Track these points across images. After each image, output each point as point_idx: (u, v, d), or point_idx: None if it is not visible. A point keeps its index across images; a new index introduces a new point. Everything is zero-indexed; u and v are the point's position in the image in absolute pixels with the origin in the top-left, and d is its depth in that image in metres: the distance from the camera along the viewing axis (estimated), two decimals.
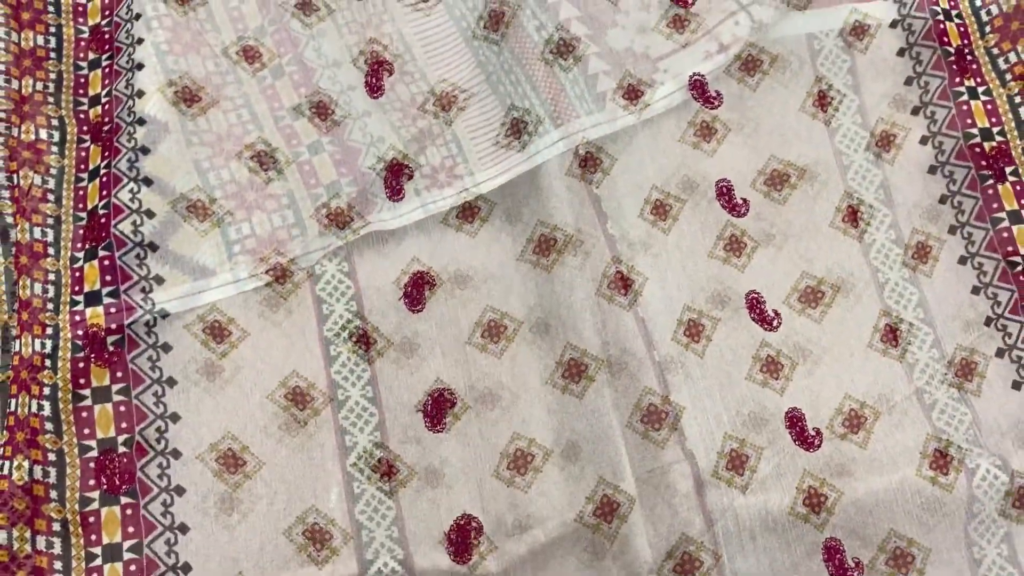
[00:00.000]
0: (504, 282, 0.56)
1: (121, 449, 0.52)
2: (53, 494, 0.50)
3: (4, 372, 0.52)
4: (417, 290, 0.55)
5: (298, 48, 0.61)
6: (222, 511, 0.51)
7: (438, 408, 0.53)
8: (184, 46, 0.60)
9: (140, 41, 0.60)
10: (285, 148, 0.59)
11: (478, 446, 0.53)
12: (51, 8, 0.62)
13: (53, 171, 0.58)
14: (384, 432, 0.53)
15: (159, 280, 0.55)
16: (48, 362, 0.52)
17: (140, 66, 0.59)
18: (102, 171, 0.57)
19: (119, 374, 0.53)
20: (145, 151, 0.57)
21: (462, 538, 0.51)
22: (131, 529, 0.50)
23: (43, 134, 0.59)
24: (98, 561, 0.49)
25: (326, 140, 0.59)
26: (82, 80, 0.60)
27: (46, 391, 0.52)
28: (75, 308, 0.54)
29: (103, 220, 0.56)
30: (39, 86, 0.60)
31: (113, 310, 0.54)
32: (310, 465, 0.52)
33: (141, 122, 0.58)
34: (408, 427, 0.53)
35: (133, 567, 0.49)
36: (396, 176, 0.58)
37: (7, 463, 0.50)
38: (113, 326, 0.53)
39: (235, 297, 0.55)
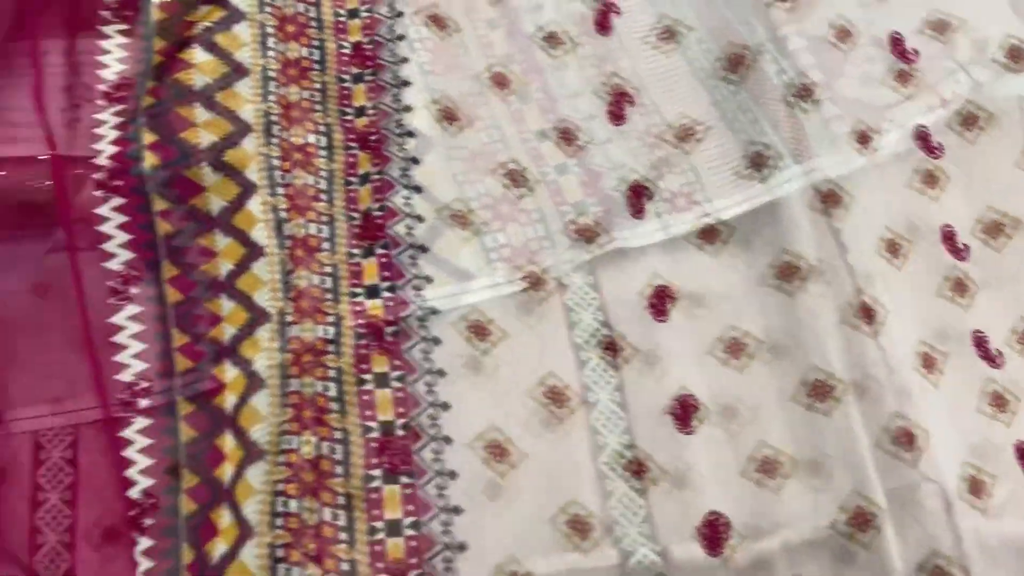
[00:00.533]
0: (743, 302, 0.60)
1: (399, 432, 0.56)
2: (338, 469, 0.54)
3: (283, 355, 0.56)
4: (660, 302, 0.60)
5: (543, 77, 0.66)
6: (491, 497, 0.55)
7: (685, 412, 0.57)
8: (444, 68, 0.66)
9: (405, 60, 0.65)
10: (533, 168, 0.64)
11: (724, 450, 0.57)
12: (314, 23, 0.67)
13: (323, 173, 0.63)
14: (633, 434, 0.57)
15: (428, 279, 0.59)
16: (331, 347, 0.56)
17: (406, 83, 0.65)
18: (373, 176, 0.62)
19: (396, 362, 0.57)
20: (415, 161, 0.62)
21: (713, 533, 0.54)
22: (410, 507, 0.54)
23: (311, 139, 0.63)
24: (381, 535, 0.53)
25: (572, 163, 0.64)
26: (346, 92, 0.65)
27: (331, 373, 0.56)
28: (355, 299, 0.58)
29: (379, 221, 0.60)
30: (305, 95, 0.65)
31: (391, 303, 0.58)
32: (568, 460, 0.56)
33: (410, 135, 0.63)
34: (655, 430, 0.57)
35: (414, 543, 0.53)
36: (638, 197, 0.62)
37: (295, 438, 0.54)
38: (391, 318, 0.58)
39: (494, 300, 0.59)
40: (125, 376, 0.57)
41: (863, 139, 0.63)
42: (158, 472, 0.55)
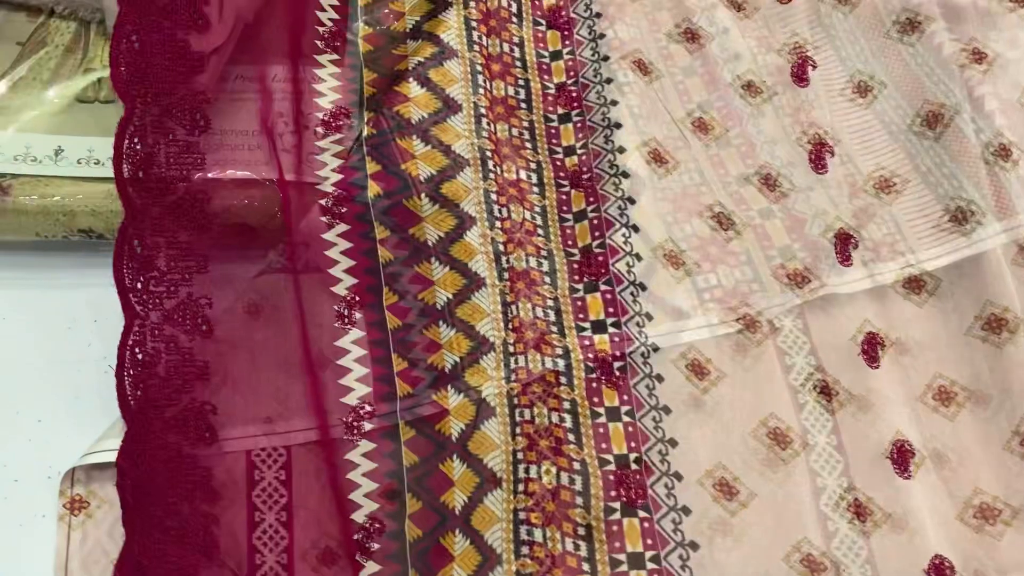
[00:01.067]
0: (949, 351, 0.62)
1: (633, 466, 0.57)
2: (578, 500, 0.55)
3: (509, 384, 0.57)
4: (872, 348, 0.61)
5: (742, 123, 0.68)
6: (724, 533, 0.55)
7: (903, 457, 0.58)
8: (649, 111, 0.68)
9: (615, 103, 0.67)
10: (738, 212, 0.65)
11: (940, 495, 0.58)
12: (518, 63, 0.69)
13: (537, 209, 0.64)
14: (851, 477, 0.58)
15: (649, 317, 0.61)
16: (563, 379, 0.58)
17: (618, 125, 0.67)
18: (590, 214, 0.64)
19: (624, 397, 0.58)
20: (631, 201, 0.64)
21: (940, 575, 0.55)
22: (649, 541, 0.54)
23: (523, 175, 0.65)
24: (623, 567, 0.54)
25: (776, 208, 0.66)
26: (553, 131, 0.67)
27: (565, 405, 0.57)
28: (583, 333, 0.60)
29: (600, 258, 0.62)
30: (514, 132, 0.66)
31: (616, 339, 0.59)
32: (793, 500, 0.57)
33: (625, 175, 0.65)
34: (873, 473, 0.58)
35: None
36: (845, 244, 0.64)
37: (534, 467, 0.55)
38: (617, 353, 0.59)
39: (709, 340, 0.61)
40: (350, 399, 0.58)
41: None
42: (381, 497, 0.56)
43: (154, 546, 0.52)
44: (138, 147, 0.62)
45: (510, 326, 0.59)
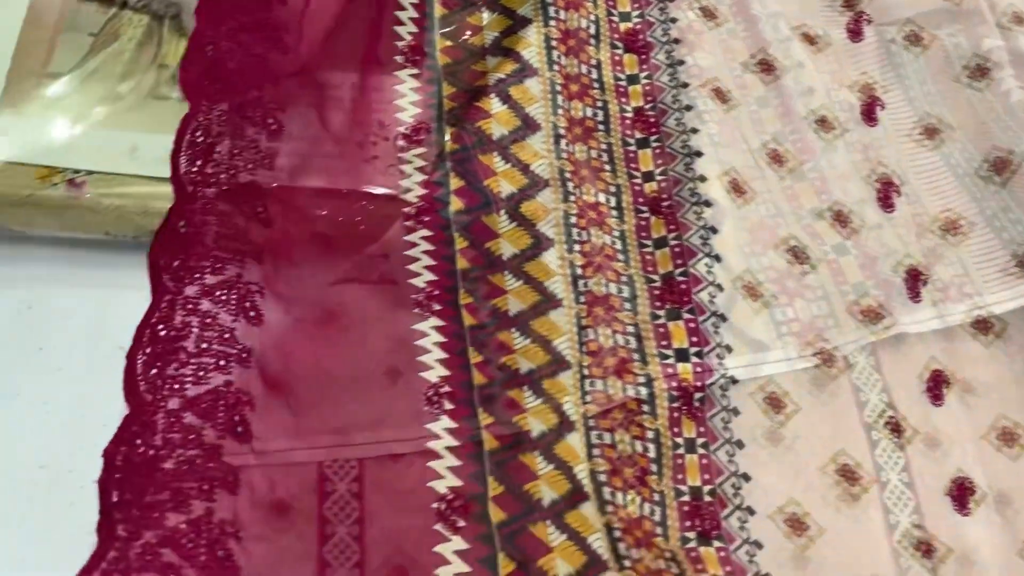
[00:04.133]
0: (1014, 393, 0.63)
1: (706, 498, 0.57)
2: (658, 530, 0.55)
3: (585, 405, 0.57)
4: (937, 386, 0.62)
5: (816, 158, 0.69)
6: (795, 569, 0.56)
7: (962, 494, 0.59)
8: (728, 140, 0.68)
9: (695, 131, 0.68)
10: (813, 246, 0.66)
11: (1003, 534, 0.59)
12: (596, 85, 0.69)
13: (616, 233, 0.64)
14: (920, 514, 0.59)
15: (729, 349, 0.61)
16: (645, 408, 0.58)
17: (699, 153, 0.67)
18: (671, 242, 0.64)
19: (701, 429, 0.59)
20: (714, 231, 0.65)
21: None
22: (728, 569, 0.55)
23: (601, 198, 0.65)
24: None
25: (849, 244, 0.66)
26: (631, 155, 0.67)
27: (649, 435, 0.57)
28: (666, 361, 0.60)
29: (683, 287, 0.62)
30: (593, 154, 0.66)
31: (698, 370, 0.60)
32: (865, 537, 0.57)
33: (707, 204, 0.65)
34: (939, 511, 0.59)
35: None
36: (915, 281, 0.65)
37: (620, 494, 0.55)
38: (698, 384, 0.59)
39: (787, 373, 0.61)
40: (431, 377, 0.58)
41: None
42: (464, 475, 0.55)
43: (136, 557, 0.50)
44: (200, 140, 0.60)
45: (585, 349, 0.59)
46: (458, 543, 0.54)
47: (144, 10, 0.66)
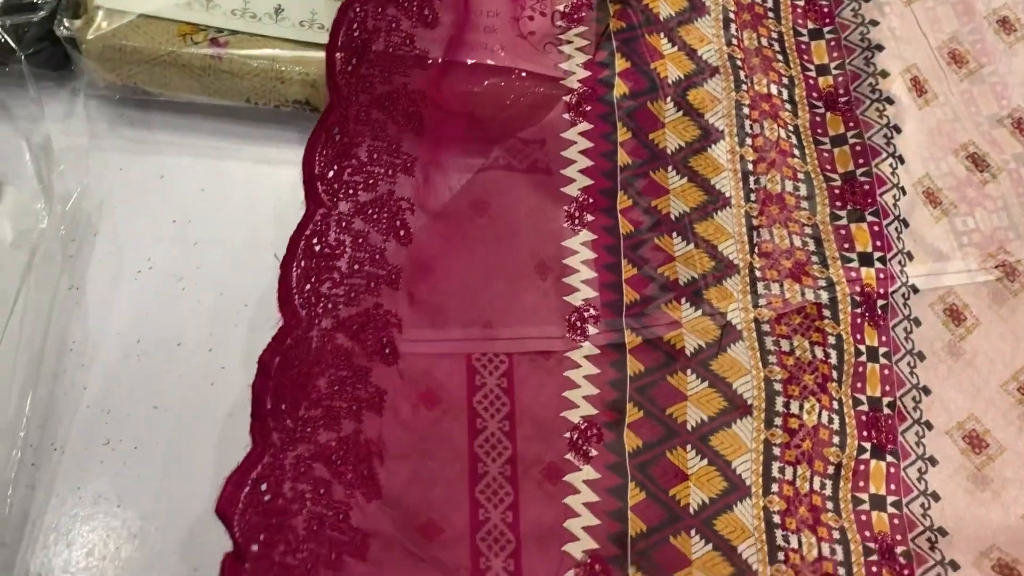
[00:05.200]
0: None
1: (886, 411, 0.54)
2: (835, 440, 0.52)
3: (756, 310, 0.54)
4: None
5: (995, 61, 0.64)
6: (974, 486, 0.53)
7: None
8: (908, 35, 0.63)
9: (875, 23, 0.63)
10: (993, 154, 0.62)
11: None
12: None
13: (790, 127, 0.60)
14: None
15: (910, 256, 0.57)
16: (827, 312, 0.54)
17: (879, 47, 0.62)
18: (851, 139, 0.60)
19: (883, 338, 0.55)
20: (897, 130, 0.60)
21: None
22: (892, 486, 0.52)
23: (774, 89, 0.60)
24: (865, 506, 0.51)
25: None
26: (804, 46, 0.62)
27: (830, 340, 0.54)
28: (848, 264, 0.56)
29: (866, 188, 0.58)
30: (763, 42, 0.61)
31: (881, 276, 0.56)
32: None
33: (890, 101, 0.60)
34: None
35: (896, 520, 0.52)
36: None
37: (795, 402, 0.52)
38: (881, 291, 0.56)
39: (967, 286, 0.57)
40: (574, 300, 0.54)
41: None
42: (600, 404, 0.52)
43: (290, 467, 0.48)
44: (356, 33, 0.56)
45: (756, 250, 0.55)
46: (589, 473, 0.51)
47: None
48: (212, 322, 0.55)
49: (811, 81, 0.61)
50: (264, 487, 0.47)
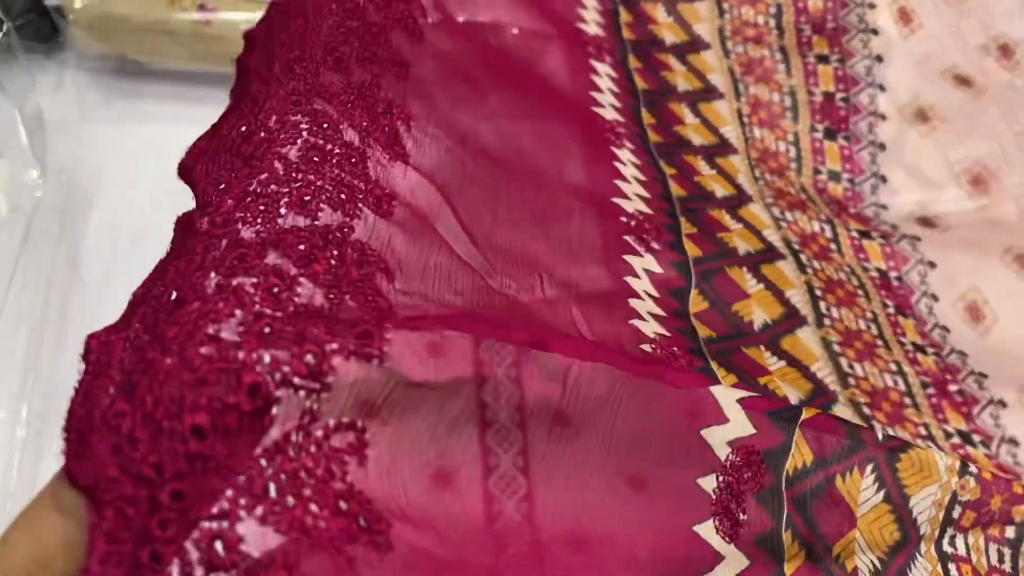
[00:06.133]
0: None
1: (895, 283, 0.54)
2: (879, 342, 0.52)
3: (780, 230, 0.54)
4: None
5: None
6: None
7: None
8: None
9: None
10: (980, 78, 0.62)
11: None
12: None
13: (776, 47, 0.61)
14: None
15: (883, 179, 0.58)
16: (833, 247, 0.55)
17: None
18: (835, 64, 0.60)
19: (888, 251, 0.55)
20: (879, 59, 0.61)
21: None
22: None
23: (760, 19, 0.61)
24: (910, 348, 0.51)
25: (1017, 80, 0.62)
26: None
27: (845, 268, 0.54)
28: (818, 176, 0.57)
29: (842, 113, 0.59)
30: None
31: (849, 195, 0.57)
32: None
33: (875, 32, 0.61)
34: None
35: (940, 364, 0.51)
36: None
37: (835, 309, 0.51)
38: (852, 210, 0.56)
39: (959, 213, 0.58)
40: (627, 207, 0.50)
41: None
42: (664, 291, 0.46)
43: None
44: None
45: (757, 176, 0.56)
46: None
47: None
48: None
49: (800, 5, 0.62)
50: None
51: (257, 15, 0.56)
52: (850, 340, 0.50)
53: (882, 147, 0.59)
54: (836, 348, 0.50)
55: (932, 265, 0.55)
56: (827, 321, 0.50)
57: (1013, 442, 0.50)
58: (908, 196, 0.58)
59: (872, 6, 0.62)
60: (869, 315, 0.52)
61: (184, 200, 0.57)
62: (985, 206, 0.58)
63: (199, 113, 0.59)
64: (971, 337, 0.54)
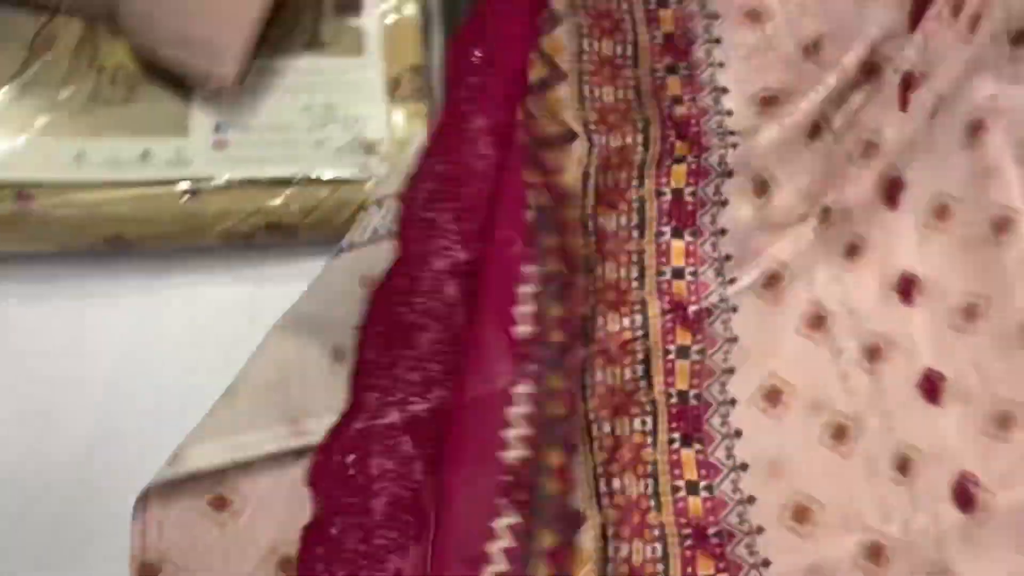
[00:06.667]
0: None
1: (692, 402, 0.59)
2: (648, 439, 0.58)
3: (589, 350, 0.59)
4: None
5: None
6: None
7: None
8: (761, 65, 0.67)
9: (722, 65, 0.67)
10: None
11: None
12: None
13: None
14: None
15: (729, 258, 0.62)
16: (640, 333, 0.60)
17: (725, 89, 0.67)
18: (690, 160, 0.64)
19: (699, 336, 0.60)
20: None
21: None
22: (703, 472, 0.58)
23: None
24: (682, 493, 0.57)
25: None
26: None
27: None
28: (662, 278, 0.62)
29: (690, 208, 0.63)
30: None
31: (692, 287, 0.61)
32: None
33: (732, 133, 0.65)
34: None
35: (709, 504, 0.57)
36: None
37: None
38: (693, 298, 0.61)
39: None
40: None
41: None
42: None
43: None
44: None
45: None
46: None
47: (78, 14, 0.64)
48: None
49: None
50: (351, 459, 0.48)
51: (77, 196, 0.59)
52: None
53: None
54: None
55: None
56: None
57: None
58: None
59: (730, 113, 0.65)
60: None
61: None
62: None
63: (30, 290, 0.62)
64: None
